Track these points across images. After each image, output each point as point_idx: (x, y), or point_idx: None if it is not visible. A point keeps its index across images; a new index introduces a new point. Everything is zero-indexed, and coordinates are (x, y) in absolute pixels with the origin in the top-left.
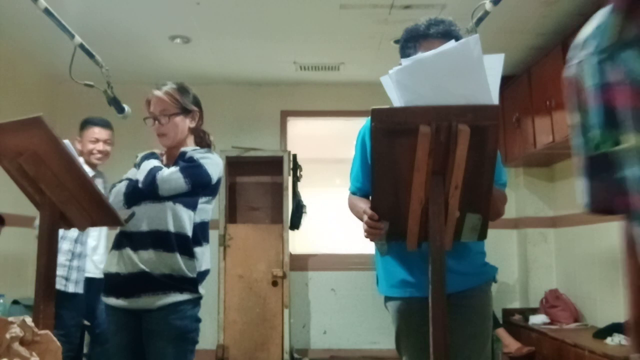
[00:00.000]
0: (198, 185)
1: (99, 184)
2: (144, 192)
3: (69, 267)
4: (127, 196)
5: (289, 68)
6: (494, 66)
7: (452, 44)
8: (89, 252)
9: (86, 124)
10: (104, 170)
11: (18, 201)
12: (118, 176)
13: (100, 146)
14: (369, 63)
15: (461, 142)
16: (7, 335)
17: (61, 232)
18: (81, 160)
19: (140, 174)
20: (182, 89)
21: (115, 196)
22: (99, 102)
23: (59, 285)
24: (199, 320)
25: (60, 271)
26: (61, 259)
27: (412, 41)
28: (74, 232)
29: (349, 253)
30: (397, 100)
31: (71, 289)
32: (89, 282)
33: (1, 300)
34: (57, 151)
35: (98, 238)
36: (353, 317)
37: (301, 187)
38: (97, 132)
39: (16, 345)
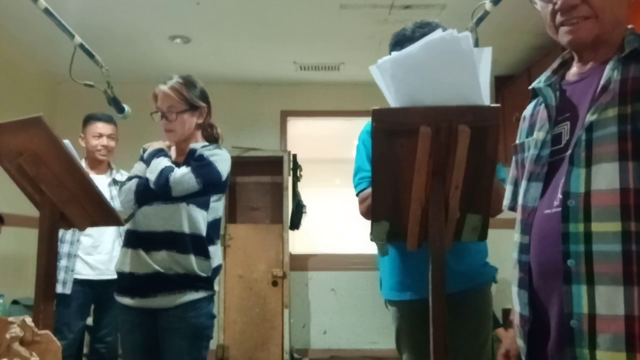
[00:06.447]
0: (209, 183)
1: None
2: (155, 192)
3: (57, 268)
4: (138, 195)
5: (289, 68)
6: (482, 59)
7: (438, 32)
8: (80, 252)
9: (89, 119)
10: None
11: (18, 201)
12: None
13: (104, 141)
14: (369, 63)
15: (461, 142)
16: (7, 335)
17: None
18: (84, 163)
19: (151, 174)
20: (188, 84)
21: (125, 195)
22: (99, 102)
23: None
24: (213, 316)
25: None
26: None
27: (398, 45)
28: (61, 232)
29: (349, 253)
30: (386, 89)
31: (59, 289)
32: (88, 283)
33: (1, 300)
34: (57, 151)
35: (98, 236)
36: (353, 317)
37: (301, 187)
38: (101, 127)
39: (16, 345)
